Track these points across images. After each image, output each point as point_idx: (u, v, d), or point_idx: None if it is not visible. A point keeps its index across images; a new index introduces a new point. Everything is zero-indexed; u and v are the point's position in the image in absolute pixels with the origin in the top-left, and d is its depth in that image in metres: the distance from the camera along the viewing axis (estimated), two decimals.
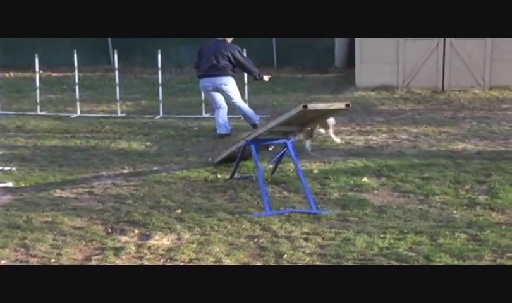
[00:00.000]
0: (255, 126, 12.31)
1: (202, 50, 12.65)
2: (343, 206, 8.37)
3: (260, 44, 20.98)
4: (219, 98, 12.55)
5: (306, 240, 7.25)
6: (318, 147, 11.43)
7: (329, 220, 7.86)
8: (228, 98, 12.62)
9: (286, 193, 8.95)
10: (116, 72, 15.35)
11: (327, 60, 21.13)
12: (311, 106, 8.47)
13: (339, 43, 21.14)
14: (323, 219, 7.89)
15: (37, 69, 15.71)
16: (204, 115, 14.46)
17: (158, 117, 14.56)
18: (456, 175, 9.54)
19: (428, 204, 8.44)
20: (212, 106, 12.96)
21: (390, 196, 8.79)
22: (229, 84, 12.53)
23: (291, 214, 8.03)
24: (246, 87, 14.63)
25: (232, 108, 12.78)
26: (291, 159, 8.94)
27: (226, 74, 12.47)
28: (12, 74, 20.65)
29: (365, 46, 17.52)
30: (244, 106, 12.93)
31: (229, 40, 12.66)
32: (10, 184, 9.52)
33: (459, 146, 11.36)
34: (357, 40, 17.68)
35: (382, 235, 7.29)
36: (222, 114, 12.53)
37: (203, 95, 14.29)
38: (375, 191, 8.99)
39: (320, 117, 9.27)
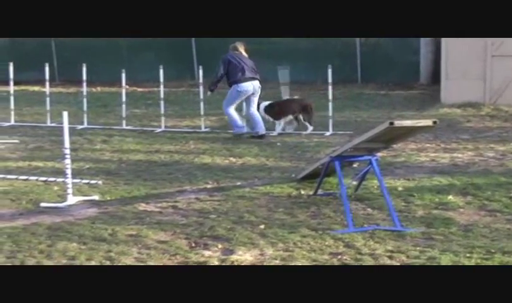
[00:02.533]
0: (237, 134, 14.13)
1: (234, 60, 14.08)
2: (428, 224, 8.23)
3: (344, 60, 20.92)
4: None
5: (390, 258, 7.14)
6: (403, 164, 11.31)
7: (413, 238, 7.73)
8: (253, 101, 14.23)
9: (369, 210, 8.86)
10: (201, 87, 15.48)
11: (412, 76, 20.89)
12: (398, 123, 8.35)
13: (424, 59, 20.89)
14: (408, 237, 7.77)
15: (124, 84, 15.95)
16: (287, 131, 14.43)
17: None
18: None
19: None
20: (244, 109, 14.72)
21: (476, 215, 8.62)
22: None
23: (375, 232, 7.93)
24: (330, 103, 14.59)
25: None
26: (376, 176, 8.85)
27: (259, 80, 14.31)
28: (99, 88, 21.01)
29: (451, 62, 17.28)
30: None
31: (244, 52, 14.35)
32: (96, 197, 9.66)
33: None
34: (443, 56, 17.42)
35: (468, 255, 7.13)
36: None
37: None
38: (461, 210, 8.82)
39: (406, 134, 9.15)
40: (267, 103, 14.65)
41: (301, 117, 14.39)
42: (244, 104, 14.62)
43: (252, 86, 14.11)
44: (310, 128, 14.36)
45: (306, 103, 14.68)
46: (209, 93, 14.58)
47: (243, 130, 14.14)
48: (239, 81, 14.01)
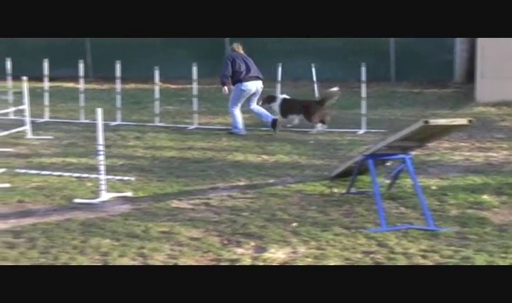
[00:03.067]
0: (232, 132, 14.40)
1: (238, 60, 14.28)
2: (462, 223, 8.17)
3: (378, 58, 20.81)
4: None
5: (423, 257, 7.10)
6: (437, 163, 11.24)
7: (447, 238, 7.67)
8: (253, 100, 14.55)
9: (403, 209, 8.80)
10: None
11: (446, 74, 20.74)
12: (433, 122, 8.28)
13: (459, 57, 20.74)
14: (442, 236, 7.71)
15: (157, 81, 16.01)
16: (319, 129, 14.39)
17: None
18: None
19: None
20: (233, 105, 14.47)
21: (511, 215, 8.53)
22: None
23: (408, 231, 7.88)
24: (363, 101, 14.52)
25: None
26: (409, 174, 8.79)
27: (263, 80, 14.61)
28: (132, 85, 21.09)
29: (486, 61, 17.12)
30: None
31: (242, 52, 14.61)
32: (129, 194, 9.69)
33: None
34: (478, 54, 17.30)
35: (503, 255, 7.06)
36: None
37: None
38: (496, 209, 8.74)
39: (440, 133, 9.09)
40: (284, 96, 14.99)
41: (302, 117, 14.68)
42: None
43: (255, 86, 14.37)
44: (317, 127, 14.43)
45: (307, 104, 14.73)
46: (226, 88, 14.61)
47: (241, 133, 14.24)
48: (243, 80, 14.24)
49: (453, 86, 20.26)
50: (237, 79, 14.30)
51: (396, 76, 21.27)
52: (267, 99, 15.01)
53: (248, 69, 14.26)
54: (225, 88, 14.56)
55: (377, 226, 8.03)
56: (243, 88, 14.28)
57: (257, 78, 14.40)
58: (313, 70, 15.51)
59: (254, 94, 14.45)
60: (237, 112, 14.39)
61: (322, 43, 20.41)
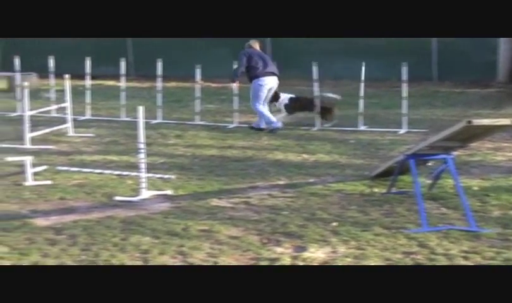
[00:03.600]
0: (259, 129, 14.42)
1: (255, 56, 14.42)
2: (504, 225, 8.06)
3: (420, 58, 20.65)
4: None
5: (465, 258, 7.02)
6: (479, 163, 11.13)
7: (489, 239, 7.58)
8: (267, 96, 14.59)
9: (444, 209, 8.73)
10: None
11: (489, 74, 20.53)
12: (476, 122, 8.19)
13: (503, 57, 20.51)
14: (483, 237, 7.62)
15: (198, 79, 16.04)
16: (361, 128, 14.34)
17: (314, 129, 14.56)
18: None
19: None
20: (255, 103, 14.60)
21: None
22: None
23: (449, 232, 7.80)
24: (405, 101, 14.40)
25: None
26: (451, 175, 8.71)
27: (278, 76, 14.71)
28: (173, 84, 21.16)
29: None
30: None
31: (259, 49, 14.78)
32: (169, 192, 9.72)
33: None
34: None
35: None
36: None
37: (361, 107, 14.35)
38: None
39: (483, 133, 8.99)
40: (291, 96, 15.15)
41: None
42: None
43: (272, 82, 14.52)
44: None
45: (310, 102, 14.90)
46: (234, 84, 15.04)
47: (277, 126, 14.28)
48: (260, 75, 14.37)
49: (496, 86, 20.05)
50: (253, 74, 14.41)
51: (438, 75, 21.11)
52: (273, 97, 15.01)
53: (265, 65, 14.39)
54: (235, 84, 14.90)
55: (418, 226, 7.97)
56: (260, 82, 14.38)
57: (273, 74, 14.50)
58: (363, 69, 15.37)
59: (269, 90, 14.52)
60: (262, 108, 14.44)
61: (364, 43, 20.30)
